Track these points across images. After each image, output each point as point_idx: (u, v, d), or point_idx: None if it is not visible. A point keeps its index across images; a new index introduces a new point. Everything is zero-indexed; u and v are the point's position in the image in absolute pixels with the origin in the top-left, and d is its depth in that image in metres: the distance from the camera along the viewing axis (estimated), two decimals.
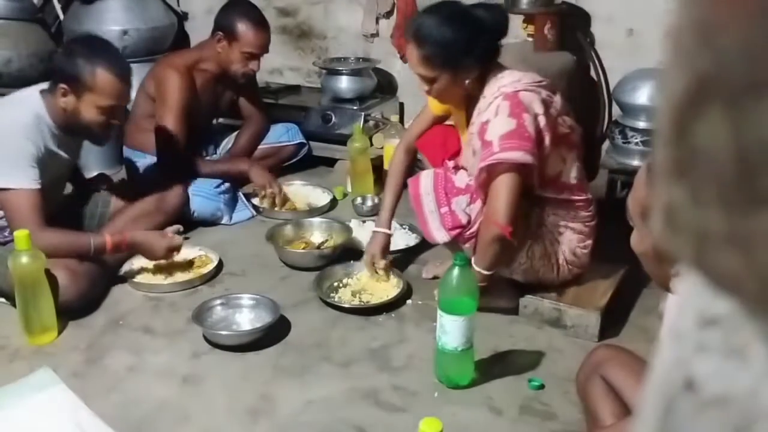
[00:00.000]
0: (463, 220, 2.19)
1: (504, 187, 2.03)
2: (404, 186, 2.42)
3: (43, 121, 2.32)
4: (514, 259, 2.21)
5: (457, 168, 2.28)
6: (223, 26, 3.03)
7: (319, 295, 2.38)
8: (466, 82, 2.14)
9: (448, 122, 2.45)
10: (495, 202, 2.06)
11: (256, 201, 3.11)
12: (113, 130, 2.47)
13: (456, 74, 2.12)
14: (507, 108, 2.04)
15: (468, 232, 2.18)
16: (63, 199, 2.67)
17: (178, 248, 2.52)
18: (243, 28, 3.00)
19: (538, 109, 2.07)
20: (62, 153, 2.41)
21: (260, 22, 3.06)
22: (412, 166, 2.54)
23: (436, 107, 2.39)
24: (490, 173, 2.07)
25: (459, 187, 2.20)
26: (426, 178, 2.28)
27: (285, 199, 3.11)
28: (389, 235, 2.47)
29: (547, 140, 2.09)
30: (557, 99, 2.16)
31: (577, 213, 2.22)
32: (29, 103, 2.33)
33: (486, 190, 2.11)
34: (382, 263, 2.43)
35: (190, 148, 3.06)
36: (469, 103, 2.23)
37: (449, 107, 2.34)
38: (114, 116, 2.37)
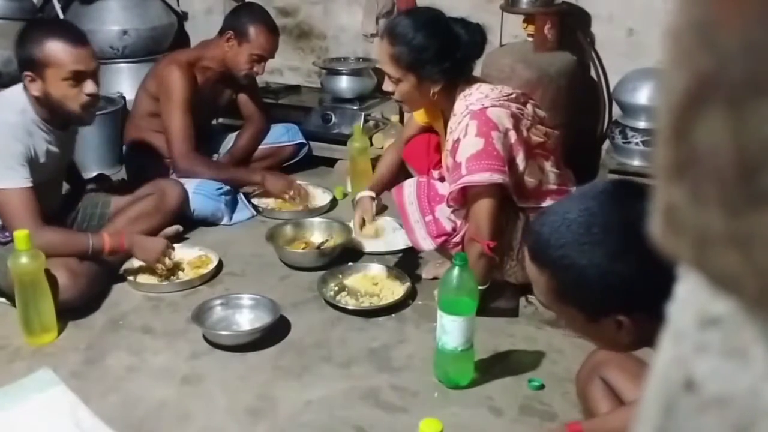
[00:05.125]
0: (448, 228, 2.19)
1: (481, 207, 2.05)
2: (395, 173, 2.52)
3: (29, 118, 2.30)
4: (505, 263, 2.20)
5: (442, 179, 2.30)
6: (235, 26, 3.05)
7: (323, 296, 2.38)
8: (432, 92, 2.14)
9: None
10: (475, 222, 2.07)
11: (256, 201, 3.11)
12: (94, 103, 2.36)
13: (420, 80, 2.13)
14: (475, 127, 2.03)
15: (454, 240, 2.19)
16: (61, 199, 2.66)
17: (169, 254, 2.51)
18: (256, 30, 3.03)
19: (508, 124, 2.06)
20: (54, 148, 2.38)
21: (273, 28, 3.11)
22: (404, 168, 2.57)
23: (419, 117, 2.41)
24: (464, 193, 2.08)
25: (442, 194, 2.21)
26: (409, 188, 2.29)
27: (306, 196, 3.15)
28: (373, 198, 2.54)
29: (520, 155, 2.09)
30: (528, 110, 2.15)
31: None
32: (14, 102, 2.31)
33: (459, 205, 2.13)
34: (369, 227, 2.51)
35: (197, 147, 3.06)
36: (444, 118, 2.24)
37: (431, 121, 2.35)
38: (83, 84, 2.28)
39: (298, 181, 3.22)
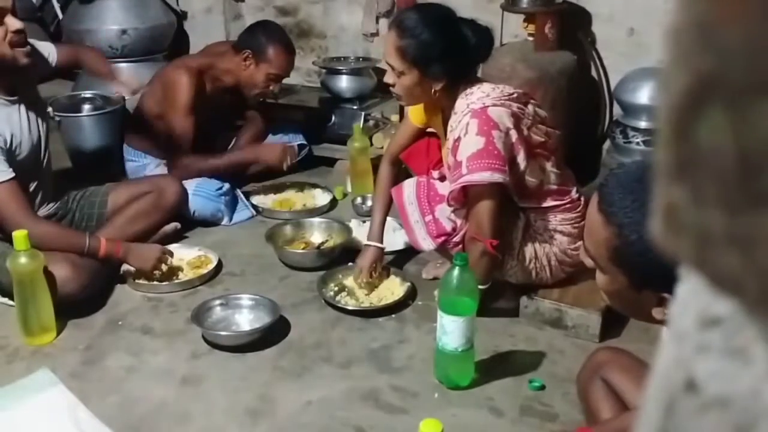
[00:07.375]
0: (448, 228, 2.18)
1: (481, 206, 2.04)
2: (392, 198, 2.41)
3: None
4: (505, 263, 2.20)
5: (442, 179, 2.29)
6: (252, 45, 3.02)
7: (323, 297, 2.38)
8: (433, 90, 2.13)
9: (430, 130, 2.43)
10: (476, 221, 2.06)
11: (255, 201, 3.12)
12: (23, 41, 2.26)
13: (423, 76, 2.11)
14: (476, 126, 2.03)
15: (454, 239, 2.18)
16: (51, 190, 2.60)
17: (165, 260, 2.50)
18: (275, 51, 3.02)
19: (509, 123, 2.06)
20: (16, 121, 2.32)
21: (290, 47, 3.10)
22: (398, 178, 2.51)
23: (416, 118, 2.39)
24: (464, 192, 2.08)
25: (442, 194, 2.20)
26: (408, 188, 2.28)
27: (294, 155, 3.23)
28: (381, 249, 2.46)
29: (521, 154, 2.09)
30: (529, 109, 2.15)
31: (564, 216, 2.21)
32: None
33: (459, 204, 2.13)
34: (369, 277, 2.42)
35: (196, 150, 3.06)
36: (444, 116, 2.23)
37: (429, 119, 2.34)
38: (4, 24, 2.20)
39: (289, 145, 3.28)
